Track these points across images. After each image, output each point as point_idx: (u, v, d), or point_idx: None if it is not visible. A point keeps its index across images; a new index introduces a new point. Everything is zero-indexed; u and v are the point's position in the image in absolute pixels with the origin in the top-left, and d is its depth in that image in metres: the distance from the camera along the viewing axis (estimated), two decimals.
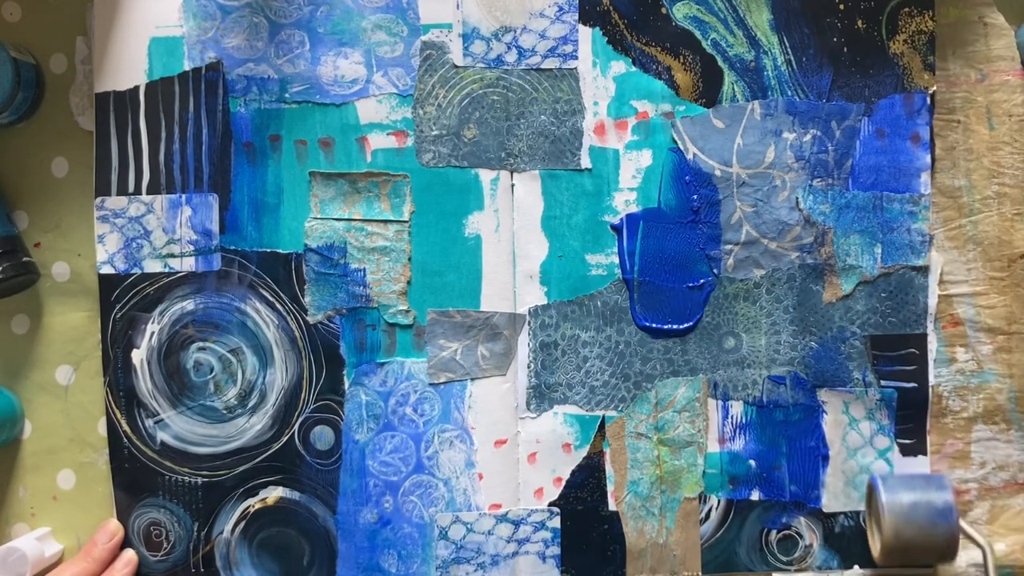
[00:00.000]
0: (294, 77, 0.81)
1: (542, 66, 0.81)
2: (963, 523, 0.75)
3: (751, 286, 0.81)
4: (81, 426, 0.82)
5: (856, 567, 0.80)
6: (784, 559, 0.81)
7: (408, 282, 0.81)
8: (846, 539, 0.81)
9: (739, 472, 0.81)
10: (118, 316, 0.82)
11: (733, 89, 0.81)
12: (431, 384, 0.82)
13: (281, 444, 0.82)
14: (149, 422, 0.82)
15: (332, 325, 0.81)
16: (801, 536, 0.81)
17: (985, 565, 0.75)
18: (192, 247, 0.81)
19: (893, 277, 0.80)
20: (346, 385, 0.82)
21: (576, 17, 0.80)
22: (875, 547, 0.78)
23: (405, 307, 0.81)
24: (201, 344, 0.82)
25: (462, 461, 0.82)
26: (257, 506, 0.82)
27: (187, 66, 0.81)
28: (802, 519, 0.81)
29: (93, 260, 0.82)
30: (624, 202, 0.81)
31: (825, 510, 0.81)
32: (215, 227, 0.81)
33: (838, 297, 0.80)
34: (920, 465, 0.80)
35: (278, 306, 0.82)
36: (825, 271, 0.80)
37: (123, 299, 0.82)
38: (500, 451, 0.81)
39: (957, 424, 0.80)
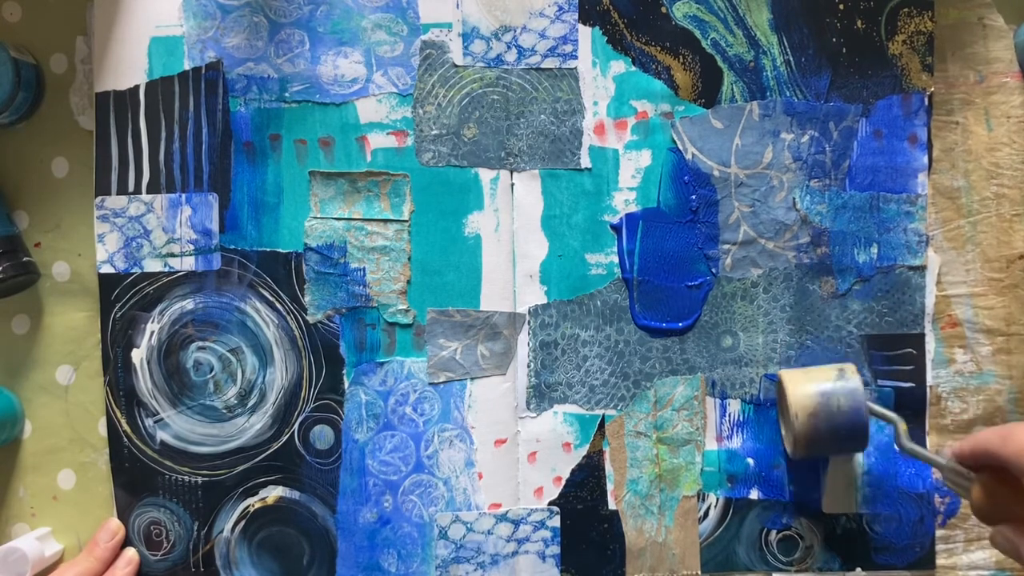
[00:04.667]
0: (294, 76, 0.81)
1: (542, 66, 0.81)
2: (871, 404, 0.74)
3: (749, 285, 0.81)
4: (81, 426, 0.82)
5: (858, 569, 0.81)
6: (784, 559, 0.81)
7: (408, 281, 0.81)
8: (847, 541, 0.81)
9: (737, 470, 0.81)
10: (118, 316, 0.82)
11: (732, 89, 0.81)
12: (431, 383, 0.82)
13: (281, 443, 0.82)
14: (149, 422, 0.82)
15: (332, 324, 0.81)
16: (802, 537, 0.81)
17: (897, 438, 0.74)
18: (192, 246, 0.81)
19: (890, 277, 0.80)
20: (346, 384, 0.82)
21: (576, 17, 0.81)
22: (788, 442, 0.78)
23: (405, 306, 0.81)
24: (201, 343, 0.82)
25: (462, 460, 0.82)
26: (257, 505, 0.82)
27: (187, 65, 0.81)
28: (803, 520, 0.81)
29: (93, 260, 0.82)
30: (623, 202, 0.81)
31: (825, 511, 0.81)
32: (215, 226, 0.81)
33: (832, 294, 0.80)
34: (923, 467, 0.81)
35: (278, 305, 0.82)
36: (821, 271, 0.80)
37: (123, 299, 0.82)
38: (500, 450, 0.82)
39: (957, 425, 0.81)
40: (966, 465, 0.65)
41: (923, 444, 0.80)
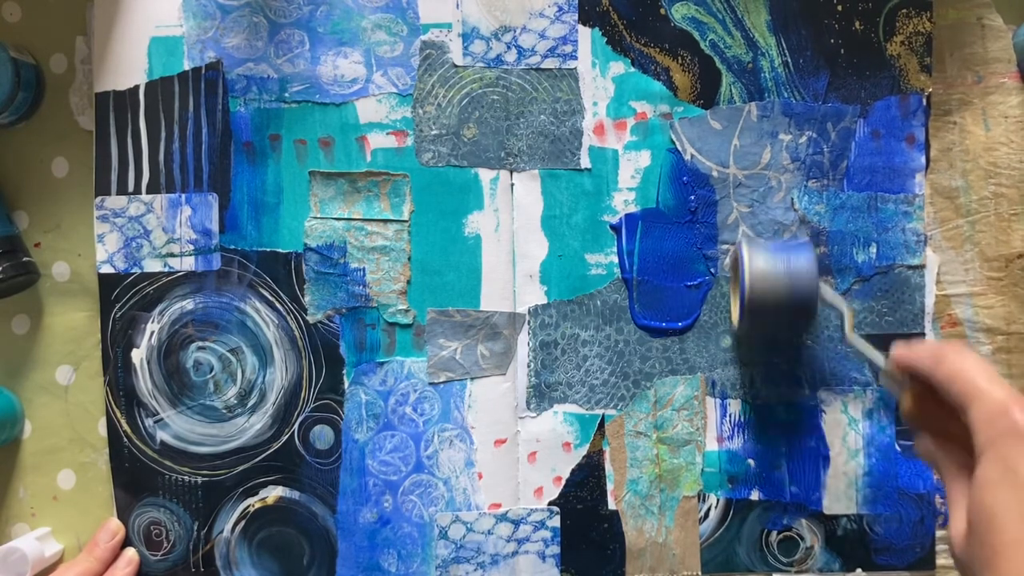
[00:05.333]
0: (294, 77, 0.81)
1: (542, 66, 0.81)
2: (823, 286, 0.74)
3: None
4: (81, 426, 0.82)
5: (859, 570, 0.81)
6: (785, 560, 0.81)
7: (408, 281, 0.81)
8: (848, 542, 0.81)
9: (738, 471, 0.81)
10: (118, 316, 0.82)
11: (731, 90, 0.81)
12: (431, 383, 0.82)
13: (281, 443, 0.82)
14: (149, 422, 0.82)
15: (332, 324, 0.81)
16: (802, 538, 0.81)
17: (841, 325, 0.74)
18: (192, 246, 0.81)
19: (889, 276, 0.80)
20: (346, 384, 0.82)
21: (575, 17, 0.81)
22: (735, 312, 0.78)
23: (405, 306, 0.81)
24: (201, 343, 0.82)
25: (462, 460, 0.82)
26: (257, 505, 0.82)
27: (187, 66, 0.81)
28: (803, 521, 0.81)
29: (93, 260, 0.82)
30: (623, 202, 0.81)
31: (826, 512, 0.81)
32: (215, 226, 0.81)
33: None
34: (924, 467, 0.81)
35: (278, 305, 0.82)
36: (821, 271, 0.80)
37: (123, 299, 0.82)
38: (500, 450, 0.82)
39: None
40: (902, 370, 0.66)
41: None
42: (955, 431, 0.59)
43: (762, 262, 0.73)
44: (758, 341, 0.80)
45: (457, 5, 0.81)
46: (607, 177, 0.81)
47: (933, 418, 0.62)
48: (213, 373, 0.82)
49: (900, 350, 0.64)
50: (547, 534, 0.81)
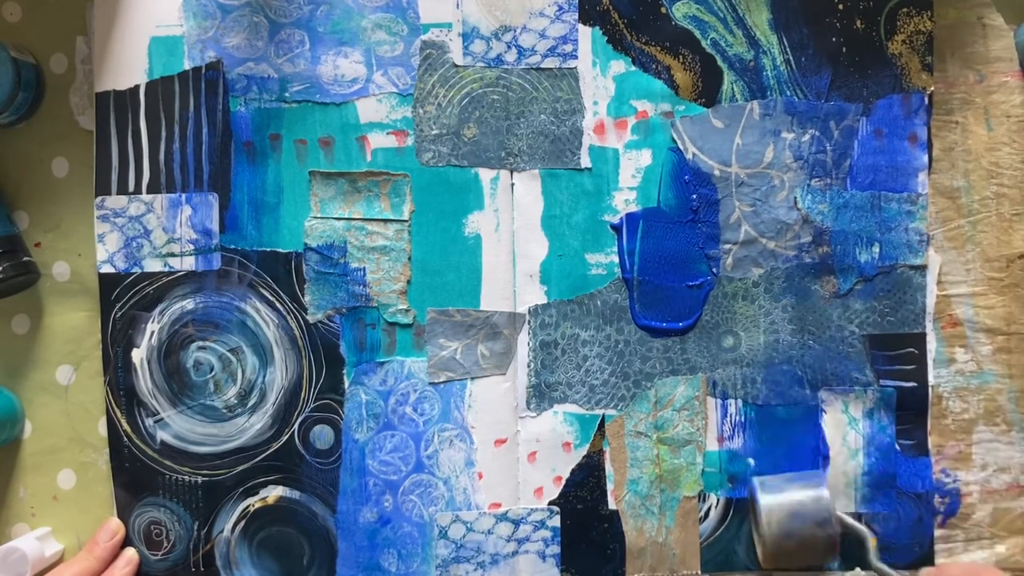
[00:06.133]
0: (294, 76, 0.81)
1: (542, 65, 0.81)
2: (841, 515, 0.75)
3: (750, 285, 0.81)
4: (81, 426, 0.82)
5: (857, 569, 0.80)
6: None
7: (408, 281, 0.81)
8: (847, 541, 0.81)
9: (738, 471, 0.81)
10: (118, 315, 0.82)
11: (732, 89, 0.81)
12: (431, 383, 0.82)
13: (281, 443, 0.82)
14: (149, 421, 0.82)
15: (332, 324, 0.81)
16: None
17: (864, 551, 0.74)
18: (192, 246, 0.81)
19: (891, 276, 0.80)
20: (346, 384, 0.82)
21: (576, 16, 0.81)
22: (760, 552, 0.78)
23: (405, 306, 0.81)
24: (201, 343, 0.82)
25: (462, 460, 0.82)
26: (257, 505, 0.82)
27: (187, 65, 0.81)
28: None
29: (93, 260, 0.82)
30: (624, 201, 0.81)
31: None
32: (215, 226, 0.81)
33: (833, 293, 0.80)
34: (923, 467, 0.81)
35: (278, 305, 0.82)
36: (823, 270, 0.80)
37: (123, 298, 0.82)
38: (500, 450, 0.82)
39: (958, 425, 0.81)
40: None
41: (925, 444, 0.80)
42: None
43: (777, 511, 0.75)
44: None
45: (457, 5, 0.81)
46: (608, 176, 0.81)
47: None
48: (213, 373, 0.82)
49: (929, 574, 0.64)
50: (547, 534, 0.81)
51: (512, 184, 0.81)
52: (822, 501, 0.74)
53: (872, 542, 0.75)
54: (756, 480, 0.78)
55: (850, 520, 0.76)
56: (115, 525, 0.81)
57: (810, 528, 0.74)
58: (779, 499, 0.75)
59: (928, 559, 0.80)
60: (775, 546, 0.75)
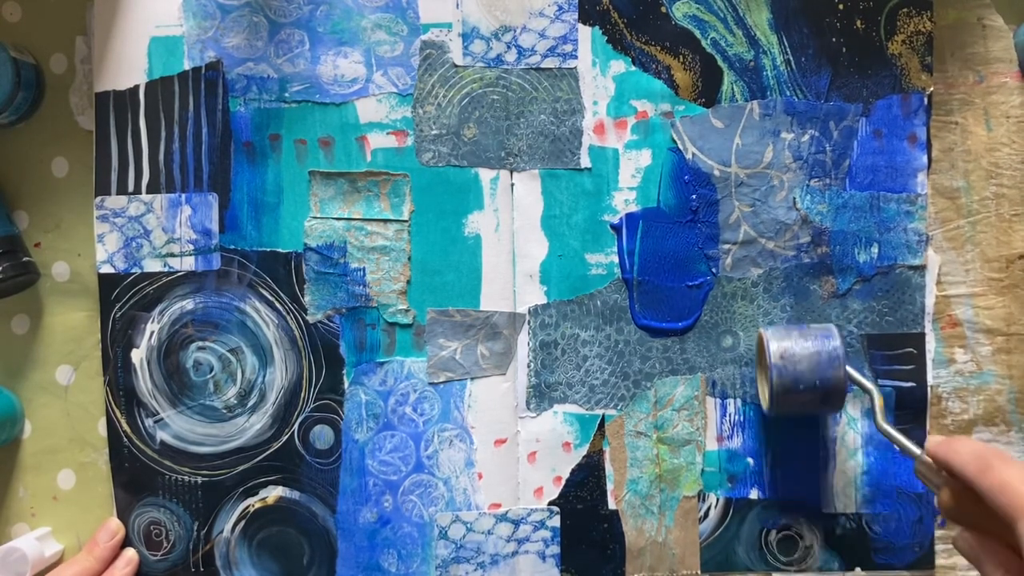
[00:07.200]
0: (294, 76, 0.81)
1: (542, 65, 0.81)
2: (849, 369, 0.74)
3: (749, 285, 0.81)
4: (81, 426, 0.82)
5: (858, 569, 0.81)
6: (784, 559, 0.81)
7: (408, 281, 0.81)
8: (847, 540, 0.81)
9: (737, 470, 0.81)
10: (118, 316, 0.82)
11: (732, 89, 0.81)
12: (431, 383, 0.82)
13: (281, 443, 0.82)
14: (149, 421, 0.82)
15: (332, 324, 0.81)
16: (801, 537, 0.81)
17: (872, 408, 0.73)
18: (192, 246, 0.81)
19: (890, 276, 0.80)
20: (346, 384, 0.82)
21: (576, 16, 0.81)
22: (763, 396, 0.78)
23: (405, 306, 0.81)
24: (201, 343, 0.82)
25: (462, 460, 0.82)
26: (257, 505, 0.82)
27: (187, 65, 0.81)
28: (802, 520, 0.81)
29: (93, 260, 0.82)
30: (623, 201, 0.81)
31: (825, 511, 0.81)
32: (215, 226, 0.81)
33: (832, 293, 0.80)
34: None
35: (278, 305, 0.82)
36: (822, 270, 0.80)
37: (123, 298, 0.82)
38: (500, 450, 0.82)
39: (957, 426, 0.81)
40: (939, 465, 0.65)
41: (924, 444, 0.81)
42: (997, 529, 0.59)
43: (786, 349, 0.73)
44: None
45: (457, 5, 0.81)
46: (607, 176, 0.81)
47: (975, 512, 0.61)
48: (213, 373, 0.82)
49: (939, 446, 0.63)
50: (547, 534, 0.81)
51: (512, 184, 0.81)
52: (834, 350, 0.73)
53: (879, 400, 0.73)
54: (766, 328, 0.76)
55: (859, 375, 0.74)
56: (115, 525, 0.81)
57: (819, 375, 0.73)
58: (790, 345, 0.74)
59: (928, 559, 0.81)
60: (782, 390, 0.73)
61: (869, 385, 0.74)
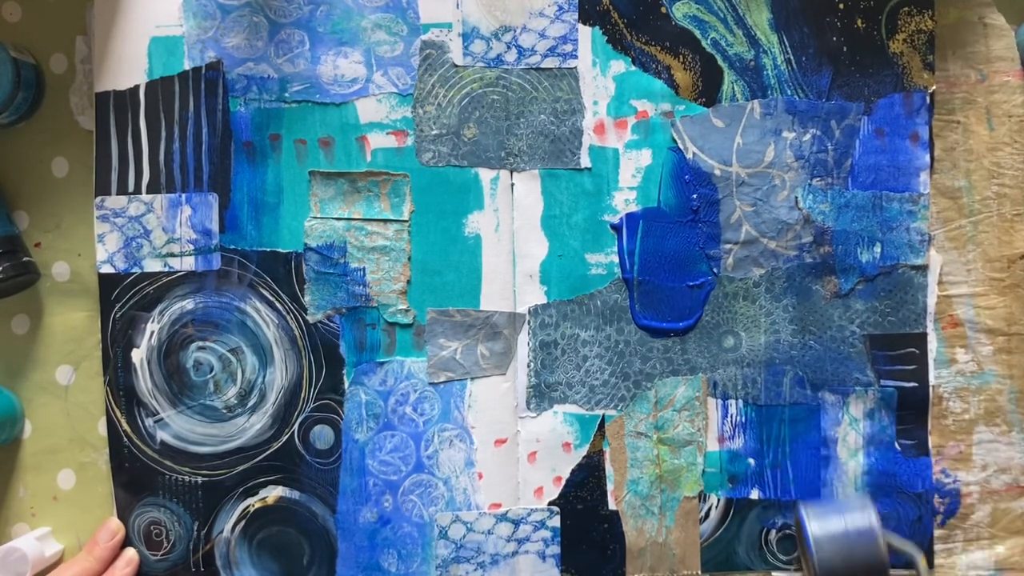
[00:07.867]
0: (294, 76, 0.81)
1: (542, 65, 0.81)
2: (890, 537, 0.75)
3: (750, 285, 0.81)
4: (81, 426, 0.82)
5: None
6: (784, 559, 0.81)
7: (408, 281, 0.81)
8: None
9: (738, 471, 0.81)
10: (118, 315, 0.82)
11: (733, 88, 0.81)
12: (431, 383, 0.82)
13: (281, 443, 0.82)
14: (149, 421, 0.82)
15: (332, 324, 0.81)
16: None
17: (917, 571, 0.74)
18: (192, 246, 0.81)
19: (892, 276, 0.80)
20: (346, 384, 0.82)
21: (576, 16, 0.81)
22: (807, 573, 0.78)
23: (405, 306, 0.81)
24: (201, 343, 0.82)
25: (462, 460, 0.82)
26: (257, 505, 0.82)
27: (187, 65, 0.81)
28: None
29: (93, 260, 0.82)
30: (624, 201, 0.81)
31: None
32: (215, 226, 0.81)
33: (834, 293, 0.80)
34: (924, 467, 0.81)
35: (278, 305, 0.82)
36: (824, 270, 0.80)
37: (123, 298, 0.82)
38: (500, 450, 0.81)
39: (958, 426, 0.81)
40: None
41: (925, 445, 0.80)
42: None
43: (826, 541, 0.74)
44: None
45: (457, 5, 0.80)
46: (608, 176, 0.81)
47: None
48: (213, 373, 0.82)
49: None
50: (547, 534, 0.81)
51: (512, 184, 0.81)
52: (872, 531, 0.74)
53: (922, 561, 0.74)
54: (802, 507, 0.77)
55: (898, 541, 0.75)
56: (115, 525, 0.81)
57: (861, 555, 0.73)
58: (828, 528, 0.74)
59: (928, 559, 0.80)
60: (824, 571, 0.74)
61: (910, 550, 0.75)
